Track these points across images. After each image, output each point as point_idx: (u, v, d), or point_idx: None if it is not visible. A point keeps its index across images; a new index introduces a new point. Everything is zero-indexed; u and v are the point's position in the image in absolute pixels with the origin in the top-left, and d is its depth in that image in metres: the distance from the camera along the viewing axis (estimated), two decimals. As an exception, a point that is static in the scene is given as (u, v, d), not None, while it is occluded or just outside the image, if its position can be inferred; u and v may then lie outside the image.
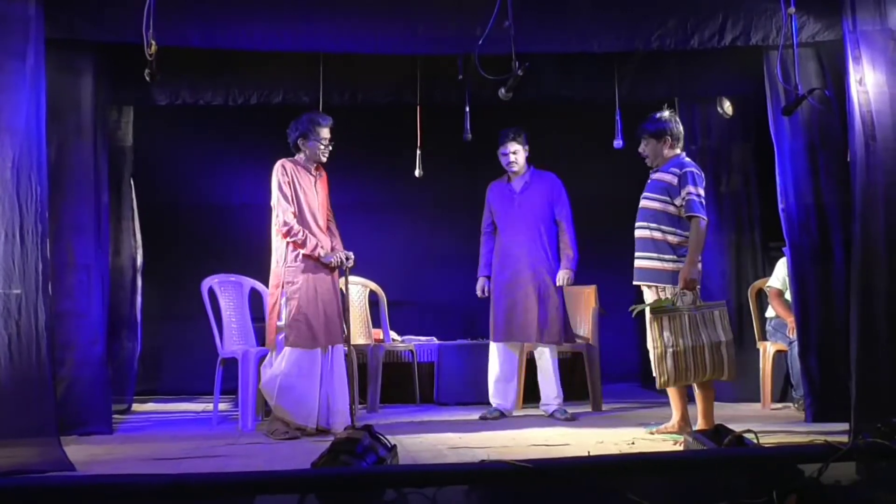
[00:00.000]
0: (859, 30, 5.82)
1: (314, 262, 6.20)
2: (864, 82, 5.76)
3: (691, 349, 5.60)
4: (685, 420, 5.92)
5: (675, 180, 5.85)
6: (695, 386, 5.89)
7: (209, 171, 9.24)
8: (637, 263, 5.97)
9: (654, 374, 5.75)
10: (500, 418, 6.92)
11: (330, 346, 6.21)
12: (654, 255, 5.86)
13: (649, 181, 6.05)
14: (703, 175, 5.94)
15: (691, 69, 7.46)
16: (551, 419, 6.88)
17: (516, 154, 7.03)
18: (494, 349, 7.11)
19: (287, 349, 6.11)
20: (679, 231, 5.84)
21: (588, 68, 7.50)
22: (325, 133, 6.32)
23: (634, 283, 6.02)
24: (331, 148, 6.40)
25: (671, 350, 5.57)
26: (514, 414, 7.09)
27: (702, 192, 5.83)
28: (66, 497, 3.49)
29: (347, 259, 6.37)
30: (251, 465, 5.00)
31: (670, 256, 5.82)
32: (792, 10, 5.69)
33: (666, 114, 6.09)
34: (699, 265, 5.81)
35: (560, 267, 7.03)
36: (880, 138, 5.67)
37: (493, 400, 7.07)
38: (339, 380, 6.24)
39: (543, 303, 6.96)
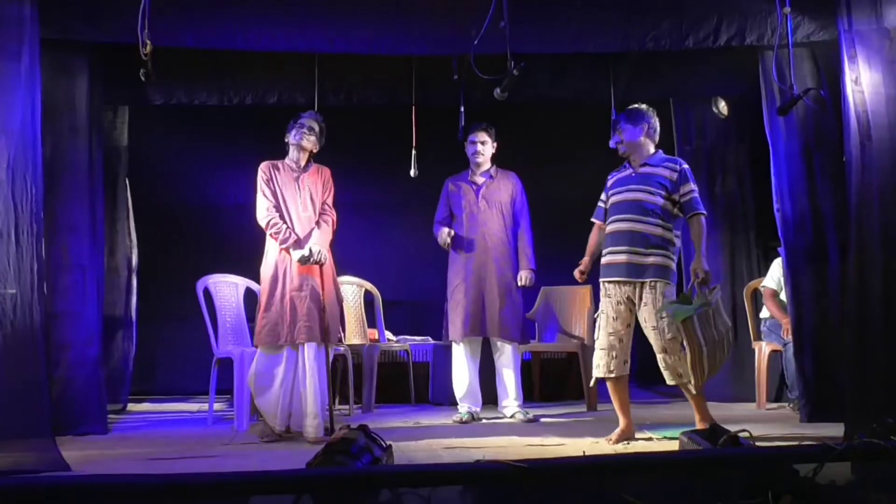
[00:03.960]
0: (855, 29, 5.82)
1: (287, 258, 6.11)
2: (860, 82, 5.75)
3: (718, 342, 5.44)
4: (632, 422, 5.84)
5: (673, 176, 5.73)
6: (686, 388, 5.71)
7: (204, 172, 9.26)
8: (621, 258, 5.73)
9: (674, 377, 5.59)
10: (472, 421, 6.83)
11: (304, 345, 6.04)
12: (650, 249, 5.69)
13: (633, 175, 5.85)
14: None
15: (686, 69, 7.47)
16: (513, 420, 6.83)
17: (484, 144, 7.01)
18: (461, 350, 6.99)
19: (259, 347, 6.11)
20: (675, 228, 5.77)
21: (583, 69, 7.52)
22: (307, 122, 6.28)
23: (611, 279, 5.77)
24: (304, 132, 6.24)
25: (706, 350, 5.39)
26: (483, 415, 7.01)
27: (696, 188, 5.81)
28: (61, 497, 3.49)
29: (311, 256, 6.05)
30: (246, 465, 4.99)
31: (665, 251, 5.70)
32: (787, 9, 5.71)
33: (643, 106, 5.97)
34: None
35: (520, 267, 6.98)
36: (876, 138, 5.67)
37: (465, 403, 6.96)
38: (312, 380, 6.03)
39: (507, 299, 6.90)
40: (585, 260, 6.08)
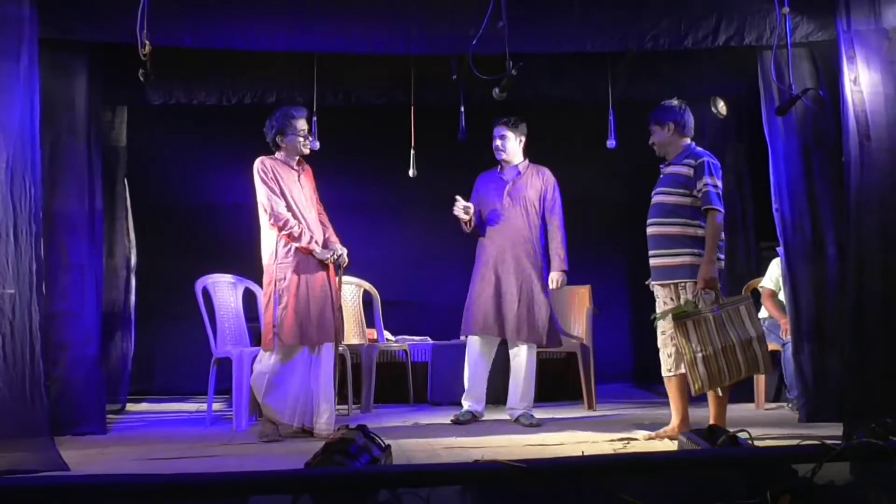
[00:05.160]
0: (853, 29, 5.82)
1: (305, 258, 6.10)
2: (859, 82, 5.76)
3: (721, 350, 5.36)
4: (685, 423, 5.75)
5: (690, 172, 5.66)
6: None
7: (203, 171, 9.26)
8: (653, 262, 5.79)
9: (688, 381, 5.52)
10: (472, 421, 6.70)
11: (321, 345, 6.12)
12: (671, 250, 5.67)
13: (662, 176, 5.87)
14: (719, 164, 5.76)
15: (685, 69, 7.45)
16: (516, 424, 6.64)
17: (504, 140, 6.86)
18: (473, 347, 6.85)
19: (276, 345, 6.06)
20: (703, 223, 5.63)
21: (582, 68, 7.50)
22: (302, 125, 6.21)
23: (652, 283, 5.82)
24: (313, 141, 6.32)
25: (701, 355, 5.35)
26: (485, 417, 6.86)
27: (719, 184, 5.64)
28: (59, 497, 3.49)
29: (340, 256, 6.23)
30: (245, 465, 4.99)
31: (689, 250, 5.62)
32: (786, 10, 5.70)
33: (674, 102, 5.93)
34: (722, 262, 5.67)
35: (551, 268, 6.80)
36: (875, 138, 5.67)
37: (467, 401, 6.81)
38: (327, 379, 6.14)
39: (528, 299, 6.68)
40: None
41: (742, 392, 7.56)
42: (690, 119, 5.94)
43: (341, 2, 6.24)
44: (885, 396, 5.36)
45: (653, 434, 5.79)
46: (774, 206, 6.56)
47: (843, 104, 5.83)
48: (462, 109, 7.06)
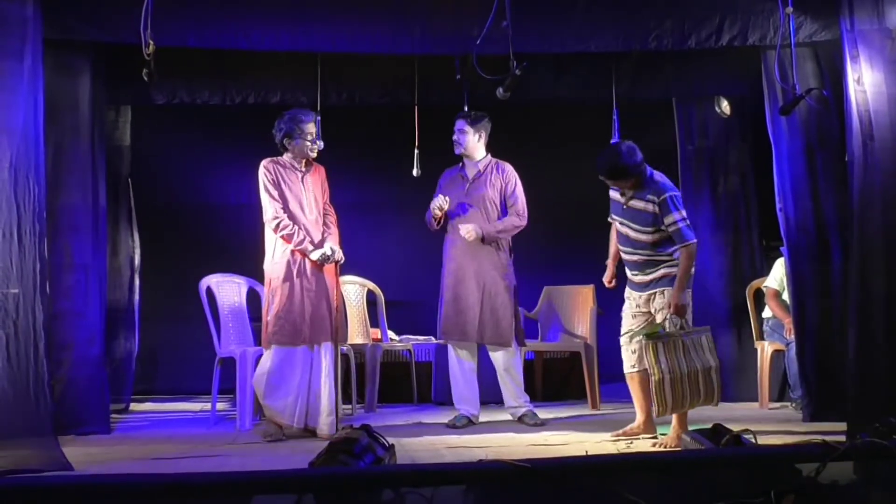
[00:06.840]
0: (857, 29, 5.82)
1: (300, 258, 6.11)
2: (862, 82, 5.76)
3: (687, 375, 5.43)
4: (650, 420, 5.85)
5: (655, 209, 5.62)
6: None
7: (207, 171, 9.25)
8: (629, 275, 5.84)
9: (652, 402, 5.53)
10: (468, 425, 6.54)
11: (318, 344, 6.10)
12: (645, 270, 5.74)
13: (624, 207, 5.78)
14: (679, 193, 5.75)
15: (689, 69, 7.46)
16: (520, 423, 6.59)
17: (463, 134, 6.70)
18: (451, 352, 6.75)
19: (273, 346, 6.07)
20: (672, 245, 5.68)
21: (585, 68, 7.51)
22: (310, 129, 6.20)
23: (648, 292, 5.77)
24: (318, 142, 6.29)
25: (669, 377, 5.38)
26: (481, 419, 6.73)
27: (684, 213, 5.62)
28: (63, 497, 3.49)
29: (331, 255, 6.14)
30: (249, 464, 5.00)
31: (662, 264, 5.70)
32: (790, 9, 5.71)
33: (623, 148, 5.68)
34: (689, 291, 5.70)
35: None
36: (878, 138, 5.67)
37: (459, 406, 6.67)
38: (327, 379, 6.10)
39: (491, 302, 6.58)
40: (609, 266, 6.11)
41: (746, 392, 7.59)
42: (636, 150, 5.71)
43: (345, 2, 6.24)
44: (888, 396, 5.36)
45: (619, 432, 5.83)
46: (778, 205, 6.55)
47: (846, 104, 5.83)
48: (465, 109, 7.05)
